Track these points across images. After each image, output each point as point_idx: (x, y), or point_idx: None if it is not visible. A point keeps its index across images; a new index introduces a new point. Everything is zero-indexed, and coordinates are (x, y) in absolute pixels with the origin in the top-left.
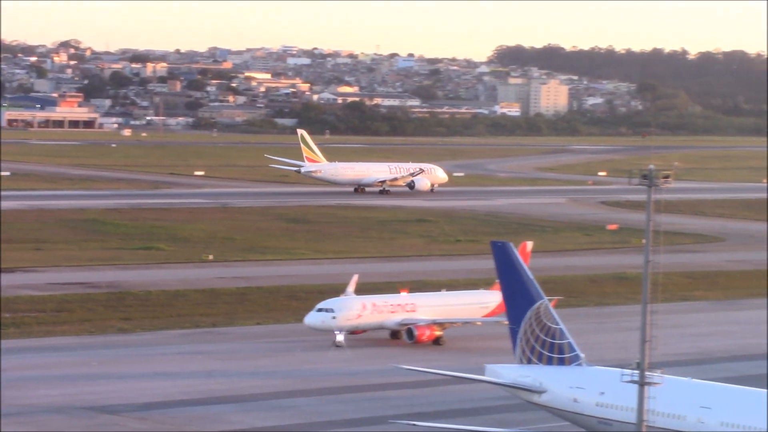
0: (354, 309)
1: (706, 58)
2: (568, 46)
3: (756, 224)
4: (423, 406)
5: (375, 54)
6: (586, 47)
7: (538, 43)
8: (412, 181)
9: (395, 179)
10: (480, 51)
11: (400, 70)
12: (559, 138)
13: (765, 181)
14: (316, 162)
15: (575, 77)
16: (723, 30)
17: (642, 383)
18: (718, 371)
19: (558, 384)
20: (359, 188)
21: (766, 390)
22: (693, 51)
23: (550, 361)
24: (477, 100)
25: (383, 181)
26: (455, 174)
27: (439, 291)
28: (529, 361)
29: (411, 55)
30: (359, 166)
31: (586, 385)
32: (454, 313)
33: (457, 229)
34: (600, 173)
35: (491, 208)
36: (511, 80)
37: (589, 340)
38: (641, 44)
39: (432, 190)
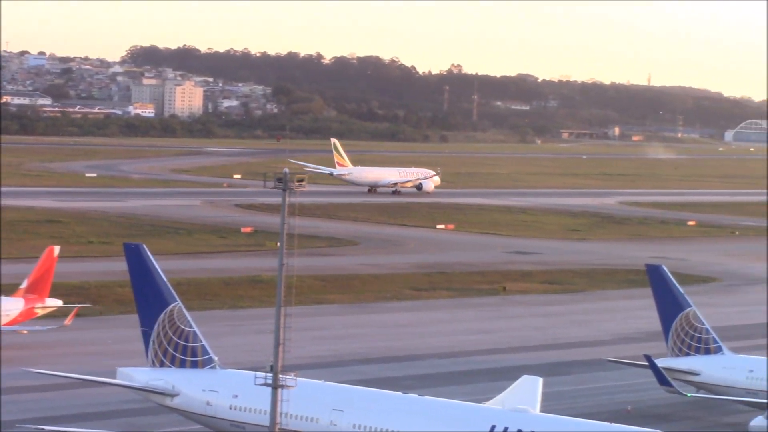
0: None
1: (341, 63)
2: (203, 48)
3: (388, 228)
4: (53, 410)
5: (4, 51)
6: (221, 49)
7: (173, 44)
8: (421, 184)
9: (407, 182)
10: (114, 50)
11: (31, 68)
12: (194, 140)
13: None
14: (344, 166)
15: (210, 79)
16: (357, 35)
17: (275, 386)
18: (351, 374)
19: (191, 387)
20: (372, 189)
21: (399, 392)
22: (328, 56)
23: (183, 364)
24: (110, 100)
25: (395, 183)
26: (88, 174)
27: None
28: (162, 364)
29: (42, 53)
30: (377, 171)
31: (219, 388)
32: None
33: (89, 231)
34: (235, 176)
35: (125, 210)
36: (146, 81)
37: (224, 342)
38: (277, 47)
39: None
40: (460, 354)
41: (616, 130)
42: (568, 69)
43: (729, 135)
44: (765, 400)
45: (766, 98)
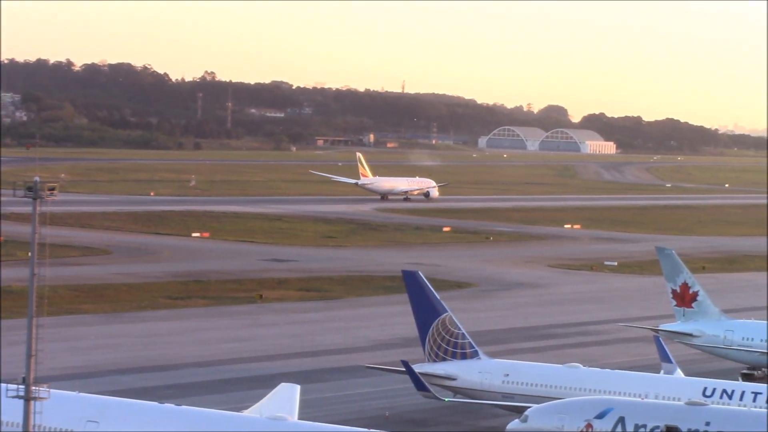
0: None
1: (91, 70)
2: None
3: (143, 237)
4: None
5: None
6: None
7: None
8: (428, 191)
9: (415, 190)
10: None
11: None
12: None
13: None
14: (367, 177)
15: None
16: (108, 42)
17: (28, 398)
18: (107, 384)
19: None
20: (384, 196)
21: (155, 402)
22: (78, 62)
23: None
24: None
25: (406, 191)
26: None
27: None
28: None
29: None
30: (392, 180)
31: None
32: None
33: None
34: None
35: None
36: None
37: None
38: (25, 54)
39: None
40: (217, 363)
41: (371, 137)
42: (322, 76)
43: (482, 141)
44: (521, 404)
45: (521, 105)
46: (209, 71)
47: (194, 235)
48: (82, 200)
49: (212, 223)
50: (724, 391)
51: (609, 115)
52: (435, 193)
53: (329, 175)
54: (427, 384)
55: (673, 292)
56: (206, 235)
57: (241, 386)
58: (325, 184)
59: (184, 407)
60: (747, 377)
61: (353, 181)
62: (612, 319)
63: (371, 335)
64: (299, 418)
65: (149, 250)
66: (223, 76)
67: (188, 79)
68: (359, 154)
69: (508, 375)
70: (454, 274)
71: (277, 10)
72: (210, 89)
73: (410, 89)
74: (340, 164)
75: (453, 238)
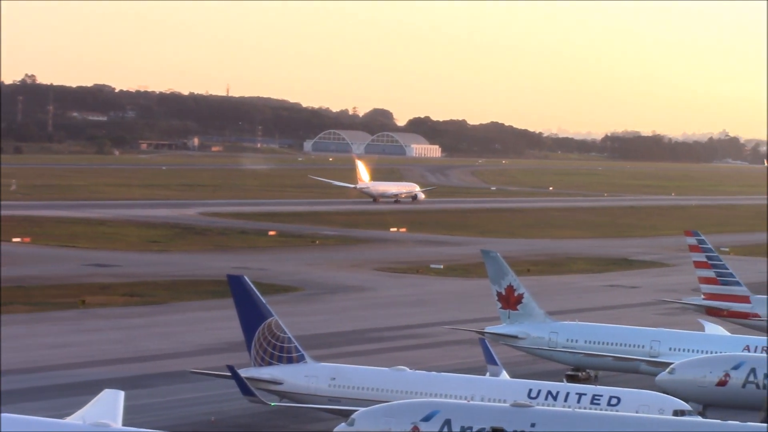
0: None
1: None
2: None
3: None
4: None
5: None
6: None
7: None
8: (416, 194)
9: (402, 193)
10: None
11: None
12: None
13: None
14: (364, 182)
15: None
16: None
17: None
18: None
19: None
20: (376, 198)
21: None
22: None
23: None
24: None
25: (396, 194)
26: None
27: None
28: None
29: None
30: (384, 185)
31: None
32: None
33: None
34: None
35: None
36: None
37: None
38: None
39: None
40: (40, 369)
41: (196, 141)
42: (145, 79)
43: (308, 145)
44: (348, 408)
45: (346, 108)
46: (29, 74)
47: (15, 240)
48: None
49: (33, 227)
50: (549, 392)
51: (434, 118)
52: (422, 196)
53: (329, 180)
54: (252, 388)
55: (499, 294)
56: (27, 240)
57: (64, 393)
58: (150, 188)
59: (4, 414)
60: (571, 378)
61: (352, 185)
62: (438, 322)
63: (197, 340)
64: (123, 425)
65: None
66: (43, 79)
67: (8, 82)
68: (358, 161)
69: (334, 379)
70: (279, 278)
71: (96, 12)
72: (30, 92)
73: (235, 92)
74: (164, 168)
75: (279, 242)
